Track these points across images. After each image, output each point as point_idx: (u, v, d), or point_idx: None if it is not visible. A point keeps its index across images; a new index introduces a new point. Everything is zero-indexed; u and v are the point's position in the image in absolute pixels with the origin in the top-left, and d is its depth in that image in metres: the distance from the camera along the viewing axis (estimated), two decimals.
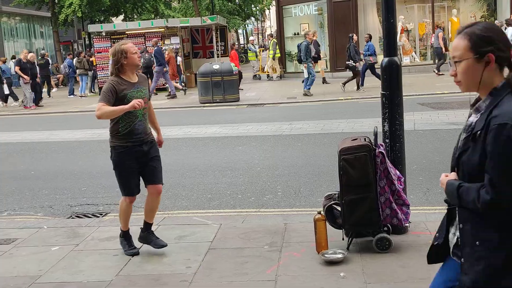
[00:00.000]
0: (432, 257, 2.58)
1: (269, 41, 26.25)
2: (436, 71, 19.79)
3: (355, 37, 18.29)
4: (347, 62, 17.58)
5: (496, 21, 20.18)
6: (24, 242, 5.81)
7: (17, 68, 19.42)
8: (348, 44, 17.62)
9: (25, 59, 19.75)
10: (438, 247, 2.53)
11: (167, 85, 20.83)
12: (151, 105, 5.39)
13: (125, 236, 5.38)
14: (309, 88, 17.47)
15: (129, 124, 5.00)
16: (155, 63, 19.71)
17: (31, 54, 21.33)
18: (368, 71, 18.00)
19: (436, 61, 20.85)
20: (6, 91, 20.26)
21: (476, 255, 2.30)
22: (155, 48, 19.99)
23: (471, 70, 2.30)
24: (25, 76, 19.35)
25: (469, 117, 2.45)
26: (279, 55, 24.64)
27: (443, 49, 19.74)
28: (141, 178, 5.24)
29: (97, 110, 4.89)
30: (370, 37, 18.66)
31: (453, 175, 2.43)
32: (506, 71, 2.34)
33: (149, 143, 5.17)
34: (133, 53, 4.97)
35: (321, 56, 21.21)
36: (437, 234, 2.59)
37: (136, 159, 5.08)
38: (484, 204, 2.21)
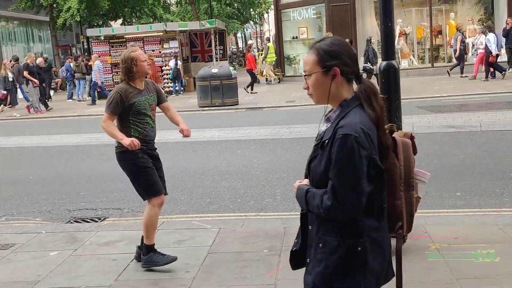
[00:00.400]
0: (295, 263, 2.62)
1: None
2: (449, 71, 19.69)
3: (373, 39, 18.35)
4: (364, 65, 17.54)
5: (477, 27, 20.28)
6: (22, 247, 5.80)
7: (25, 73, 19.24)
8: (366, 47, 17.63)
9: (32, 63, 19.72)
10: (297, 252, 2.58)
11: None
12: (169, 105, 5.28)
13: (152, 250, 5.00)
14: None
15: (141, 131, 4.91)
16: None
17: (40, 59, 21.32)
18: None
19: (454, 62, 20.60)
20: (20, 96, 19.98)
21: (318, 256, 2.39)
22: None
23: (320, 83, 2.38)
24: (35, 80, 19.26)
25: (321, 126, 2.53)
26: (273, 59, 24.71)
27: (458, 52, 19.57)
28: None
29: (103, 122, 4.85)
30: (350, 42, 18.81)
31: (305, 181, 2.52)
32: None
33: (155, 150, 5.11)
34: (143, 60, 4.90)
35: None
36: (296, 240, 2.65)
37: (151, 161, 4.95)
38: (325, 210, 2.30)
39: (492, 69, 18.43)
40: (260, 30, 69.41)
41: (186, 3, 38.98)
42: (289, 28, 25.71)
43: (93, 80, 21.32)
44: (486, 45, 17.98)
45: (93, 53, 23.61)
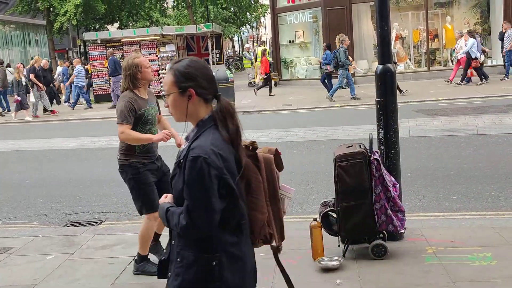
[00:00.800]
0: (161, 272, 2.66)
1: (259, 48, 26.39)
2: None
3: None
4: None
5: (456, 31, 20.36)
6: (19, 251, 5.79)
7: (32, 76, 19.22)
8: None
9: (38, 66, 19.72)
10: (165, 262, 2.62)
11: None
12: (161, 117, 5.15)
13: (145, 259, 5.03)
14: (354, 94, 17.25)
15: (147, 143, 4.83)
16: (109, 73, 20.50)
17: (44, 61, 21.31)
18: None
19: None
20: (32, 99, 19.92)
21: (176, 271, 2.47)
22: (110, 57, 20.63)
23: (177, 103, 2.48)
24: (40, 84, 19.25)
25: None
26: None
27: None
28: None
29: (120, 133, 4.66)
30: (328, 46, 19.12)
31: (169, 197, 2.58)
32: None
33: (159, 158, 5.03)
34: (147, 67, 4.79)
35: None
36: (165, 250, 2.70)
37: (154, 175, 4.88)
38: (181, 229, 2.39)
39: (471, 74, 18.51)
40: (257, 34, 69.50)
41: (182, 7, 39.00)
42: (285, 32, 25.75)
43: (75, 84, 21.35)
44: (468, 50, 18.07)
45: (90, 57, 23.62)
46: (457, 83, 18.39)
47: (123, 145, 4.84)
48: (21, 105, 18.87)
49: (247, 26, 57.09)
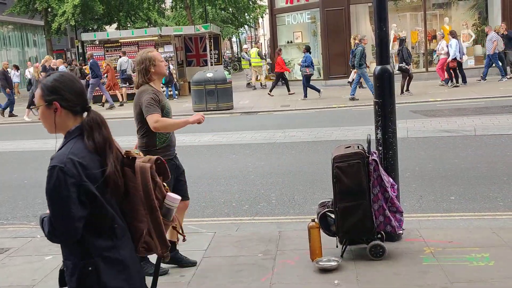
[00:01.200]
0: (61, 282, 2.69)
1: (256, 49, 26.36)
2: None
3: (407, 39, 18.44)
4: (400, 65, 17.54)
5: (438, 32, 20.48)
6: (17, 252, 5.79)
7: (44, 75, 19.24)
8: (400, 47, 17.65)
9: (48, 66, 19.74)
10: (62, 272, 2.67)
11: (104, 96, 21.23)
12: None
13: (145, 259, 4.85)
14: (353, 95, 17.26)
15: (166, 137, 4.80)
16: (90, 75, 20.63)
17: (59, 60, 21.33)
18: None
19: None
20: None
21: (66, 279, 2.57)
22: (91, 60, 20.82)
23: (45, 115, 2.57)
24: None
25: None
26: (259, 64, 24.85)
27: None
28: None
29: (155, 122, 4.57)
30: (308, 48, 19.24)
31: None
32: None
33: (176, 155, 5.02)
34: (161, 61, 4.76)
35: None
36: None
37: (173, 173, 4.72)
38: (47, 236, 2.51)
39: (453, 75, 18.62)
40: (255, 35, 69.52)
41: (181, 8, 39.01)
42: (283, 32, 25.76)
43: None
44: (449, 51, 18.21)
45: (83, 58, 23.59)
46: (440, 84, 18.54)
47: (143, 142, 4.80)
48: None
49: (245, 27, 57.10)
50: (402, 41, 17.98)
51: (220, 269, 5.01)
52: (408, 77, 17.63)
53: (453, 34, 18.51)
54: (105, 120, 2.60)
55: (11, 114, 20.01)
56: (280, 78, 21.12)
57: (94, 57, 21.55)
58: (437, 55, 19.10)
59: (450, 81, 18.47)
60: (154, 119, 4.59)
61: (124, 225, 2.59)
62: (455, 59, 17.97)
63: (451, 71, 18.42)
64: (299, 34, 24.92)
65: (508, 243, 5.12)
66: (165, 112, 4.74)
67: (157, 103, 4.64)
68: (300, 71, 18.81)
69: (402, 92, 17.36)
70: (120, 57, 22.00)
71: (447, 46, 18.20)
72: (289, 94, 20.58)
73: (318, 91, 18.58)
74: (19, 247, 5.92)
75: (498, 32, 19.34)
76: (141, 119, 4.76)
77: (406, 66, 17.37)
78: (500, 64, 19.02)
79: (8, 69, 21.40)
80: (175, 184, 4.87)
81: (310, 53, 19.05)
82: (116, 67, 21.92)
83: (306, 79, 18.78)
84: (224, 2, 35.17)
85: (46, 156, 9.56)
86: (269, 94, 20.63)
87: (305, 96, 18.63)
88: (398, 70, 17.50)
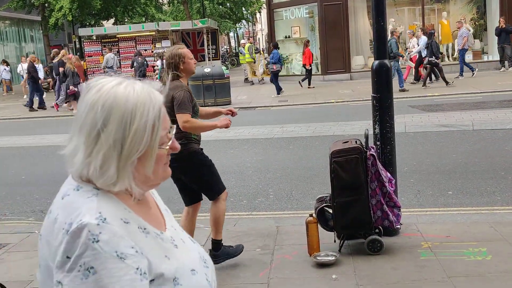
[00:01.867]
0: None
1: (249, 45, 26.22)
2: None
3: (435, 33, 18.49)
4: (429, 58, 17.51)
5: (408, 31, 20.63)
6: (15, 247, 5.79)
7: (62, 69, 19.31)
8: (430, 40, 17.62)
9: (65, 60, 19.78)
10: None
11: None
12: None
13: (221, 245, 4.96)
14: (403, 86, 17.15)
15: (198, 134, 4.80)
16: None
17: (77, 56, 21.34)
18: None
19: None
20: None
21: None
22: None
23: None
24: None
25: None
26: (251, 60, 24.78)
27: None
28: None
29: (184, 122, 4.53)
30: (276, 45, 19.45)
31: None
32: None
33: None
34: (191, 58, 4.72)
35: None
36: None
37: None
38: None
39: (420, 73, 18.74)
40: (253, 30, 69.41)
41: (178, 3, 38.92)
42: (281, 27, 25.72)
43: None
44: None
45: (85, 53, 23.57)
46: (411, 82, 18.62)
47: (178, 135, 4.77)
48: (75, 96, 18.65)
49: (243, 21, 56.98)
50: (431, 34, 17.96)
51: (218, 264, 5.01)
52: (438, 70, 17.70)
53: (424, 31, 18.66)
54: None
55: (40, 106, 20.05)
56: (310, 71, 20.73)
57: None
58: (408, 53, 19.28)
59: (425, 80, 18.19)
60: (184, 119, 4.53)
61: None
62: (425, 57, 18.01)
63: (425, 69, 18.36)
64: (297, 29, 24.89)
65: (506, 237, 5.13)
66: (195, 110, 4.70)
67: (190, 102, 4.60)
68: (267, 67, 19.00)
69: (424, 84, 17.46)
70: (106, 53, 21.81)
71: (418, 44, 18.34)
72: (308, 87, 20.30)
73: (279, 90, 18.73)
74: (17, 242, 5.92)
75: (500, 26, 19.40)
76: (170, 112, 4.71)
77: (436, 60, 17.39)
78: (463, 64, 19.17)
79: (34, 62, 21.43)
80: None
81: (278, 49, 19.26)
82: (102, 63, 21.75)
83: (274, 76, 18.98)
84: None
85: (43, 152, 9.52)
86: (308, 87, 20.31)
87: (278, 93, 18.75)
88: (427, 64, 17.56)
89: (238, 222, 6.25)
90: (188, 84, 4.90)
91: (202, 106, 18.22)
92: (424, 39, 17.98)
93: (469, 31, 19.61)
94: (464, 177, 7.43)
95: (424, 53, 17.90)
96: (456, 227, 5.51)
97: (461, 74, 18.85)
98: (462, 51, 19.01)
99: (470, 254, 4.79)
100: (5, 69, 26.94)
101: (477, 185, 7.05)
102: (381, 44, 5.32)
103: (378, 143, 5.28)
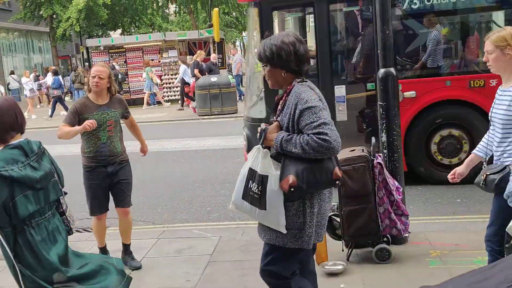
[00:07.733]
0: None
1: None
2: None
3: None
4: None
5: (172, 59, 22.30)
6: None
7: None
8: None
9: None
10: None
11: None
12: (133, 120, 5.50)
13: (103, 252, 5.38)
14: None
15: (93, 147, 5.08)
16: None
17: (86, 67, 21.70)
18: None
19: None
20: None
21: None
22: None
23: None
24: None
25: None
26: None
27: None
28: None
29: (57, 131, 5.15)
30: (55, 72, 21.40)
31: None
32: None
33: (117, 164, 5.14)
34: (93, 76, 5.07)
35: None
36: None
37: (100, 179, 5.11)
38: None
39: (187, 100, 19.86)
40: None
41: (184, 13, 39.10)
42: None
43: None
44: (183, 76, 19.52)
45: (93, 63, 23.60)
46: (178, 109, 19.72)
47: (81, 146, 5.20)
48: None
49: None
50: None
51: (225, 273, 5.01)
52: None
53: (183, 61, 20.20)
54: None
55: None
56: None
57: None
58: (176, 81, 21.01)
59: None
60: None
61: None
62: (188, 84, 19.39)
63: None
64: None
65: None
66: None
67: (73, 113, 5.09)
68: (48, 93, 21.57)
69: None
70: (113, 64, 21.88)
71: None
72: None
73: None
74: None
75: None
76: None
77: None
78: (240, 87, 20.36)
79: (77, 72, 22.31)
80: (111, 190, 5.25)
81: (58, 75, 20.90)
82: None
83: (59, 100, 20.66)
84: (227, 6, 35.20)
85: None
86: None
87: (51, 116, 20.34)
88: None
89: (245, 231, 6.23)
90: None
91: (209, 115, 18.27)
92: (183, 67, 19.74)
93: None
94: (472, 185, 7.36)
95: (186, 79, 19.65)
96: (465, 235, 5.48)
97: (240, 98, 19.80)
98: (236, 77, 20.96)
99: (479, 263, 4.75)
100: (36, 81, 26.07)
101: (486, 193, 6.97)
102: (386, 53, 5.30)
103: (385, 151, 5.27)
